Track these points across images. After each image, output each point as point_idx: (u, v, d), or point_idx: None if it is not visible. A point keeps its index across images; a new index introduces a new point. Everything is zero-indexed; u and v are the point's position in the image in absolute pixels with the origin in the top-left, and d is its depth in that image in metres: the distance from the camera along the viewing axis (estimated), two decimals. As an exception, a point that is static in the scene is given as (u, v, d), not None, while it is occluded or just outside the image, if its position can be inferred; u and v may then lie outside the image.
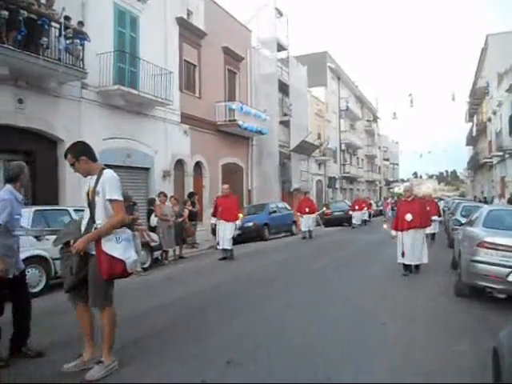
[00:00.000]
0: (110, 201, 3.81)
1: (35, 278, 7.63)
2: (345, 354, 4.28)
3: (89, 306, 3.93)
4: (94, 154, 4.11)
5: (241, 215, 12.05)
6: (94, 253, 3.79)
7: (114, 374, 3.82)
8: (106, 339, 3.86)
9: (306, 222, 17.44)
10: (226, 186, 12.12)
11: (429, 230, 9.07)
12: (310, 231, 17.41)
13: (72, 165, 3.96)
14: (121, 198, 3.89)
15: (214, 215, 11.77)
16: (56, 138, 11.81)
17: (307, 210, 17.54)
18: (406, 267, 8.59)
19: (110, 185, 3.82)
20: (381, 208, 34.00)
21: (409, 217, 8.48)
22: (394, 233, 8.88)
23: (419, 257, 8.60)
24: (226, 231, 11.27)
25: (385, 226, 9.81)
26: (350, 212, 23.70)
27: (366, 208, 24.98)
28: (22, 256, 7.23)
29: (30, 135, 11.09)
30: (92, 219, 3.85)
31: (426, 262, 8.65)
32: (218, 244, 11.63)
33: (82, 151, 3.99)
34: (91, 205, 3.86)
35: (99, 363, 3.80)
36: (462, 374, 3.85)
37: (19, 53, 9.78)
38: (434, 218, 12.86)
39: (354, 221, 23.15)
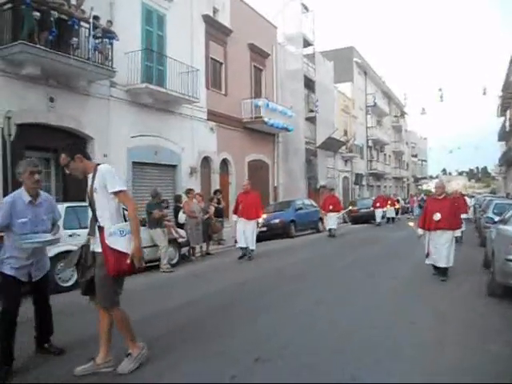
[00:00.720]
0: (115, 193, 3.69)
1: (67, 273, 7.81)
2: (373, 354, 4.21)
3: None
4: (88, 153, 4.05)
5: (264, 215, 11.52)
6: (99, 250, 3.70)
7: (144, 366, 3.86)
8: (125, 336, 3.88)
9: (330, 220, 17.11)
10: (246, 181, 11.81)
11: (459, 232, 8.19)
12: (332, 230, 16.91)
13: (66, 165, 3.88)
14: (124, 188, 3.80)
15: (234, 213, 11.36)
16: (85, 136, 12.06)
17: (331, 207, 17.10)
18: (436, 267, 8.09)
19: (108, 178, 3.70)
20: (408, 205, 33.47)
21: (437, 216, 7.81)
22: (420, 231, 8.27)
23: (445, 260, 7.86)
24: (247, 230, 10.91)
25: (411, 223, 8.95)
26: (372, 209, 23.26)
27: (389, 205, 24.35)
28: (55, 251, 7.53)
29: (60, 133, 11.33)
30: (94, 218, 3.76)
31: (452, 265, 7.91)
32: (235, 242, 11.47)
33: (76, 149, 3.95)
34: (91, 204, 3.77)
35: (128, 356, 3.83)
36: (493, 376, 3.73)
37: (50, 53, 10.02)
38: (463, 215, 12.35)
39: (377, 219, 22.76)
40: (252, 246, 10.99)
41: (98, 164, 3.89)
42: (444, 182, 9.15)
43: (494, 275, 6.53)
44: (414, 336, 4.75)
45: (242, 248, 11.07)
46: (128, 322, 3.91)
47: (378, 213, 22.83)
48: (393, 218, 25.10)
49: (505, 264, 6.02)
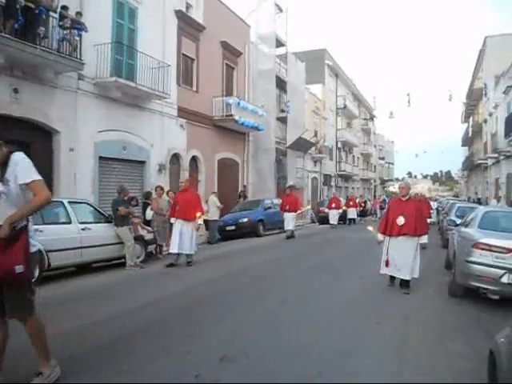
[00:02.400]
0: (27, 185, 3.23)
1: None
2: (337, 353, 4.27)
3: (5, 320, 3.33)
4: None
5: (199, 214, 9.96)
6: None
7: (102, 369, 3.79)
8: (39, 350, 3.41)
9: (287, 220, 16.12)
10: (183, 179, 10.75)
11: (425, 239, 7.15)
12: (289, 231, 15.96)
13: None
14: (39, 177, 3.32)
15: (172, 215, 9.97)
16: (51, 129, 11.72)
17: (287, 207, 16.06)
18: (393, 278, 7.31)
19: (21, 168, 3.27)
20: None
21: (401, 220, 6.95)
22: (380, 237, 7.33)
23: (408, 270, 6.95)
24: (185, 233, 9.64)
25: (370, 228, 8.21)
26: (326, 210, 22.28)
27: (348, 207, 23.55)
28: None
29: (25, 125, 10.98)
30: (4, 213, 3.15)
31: (417, 277, 7.13)
32: (166, 246, 10.26)
33: None
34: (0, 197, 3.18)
35: (39, 375, 3.39)
36: (456, 373, 3.85)
37: (16, 42, 9.66)
38: (428, 220, 11.93)
39: (330, 220, 21.58)
40: (190, 250, 9.75)
41: (12, 151, 3.39)
42: (409, 183, 8.31)
43: (455, 276, 6.75)
44: (378, 336, 4.84)
45: (173, 254, 9.70)
46: (44, 335, 3.46)
47: (333, 214, 21.63)
48: (354, 220, 24.20)
49: (465, 265, 6.22)
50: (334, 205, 21.60)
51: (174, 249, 9.63)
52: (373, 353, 4.28)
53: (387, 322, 5.32)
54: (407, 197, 7.30)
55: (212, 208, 14.73)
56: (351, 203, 23.98)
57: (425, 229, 7.11)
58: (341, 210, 22.26)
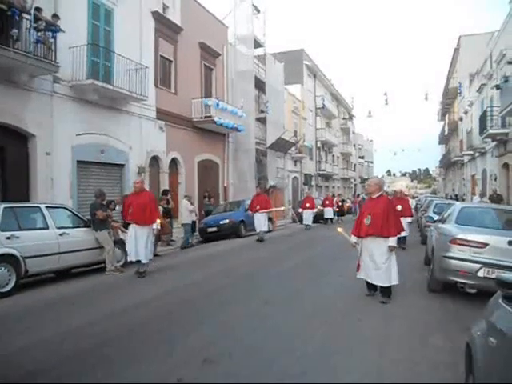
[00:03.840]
0: None
1: (4, 277, 7.40)
2: (322, 351, 4.30)
3: None
4: None
5: (158, 220, 9.20)
6: None
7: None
8: None
9: (257, 221, 15.11)
10: (138, 179, 9.82)
11: (392, 242, 6.22)
12: (261, 232, 14.99)
13: None
14: None
15: (124, 217, 9.33)
16: (27, 133, 11.49)
17: (258, 207, 15.13)
18: (370, 285, 6.55)
19: None
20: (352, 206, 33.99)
21: (368, 220, 6.34)
22: (353, 239, 6.63)
23: (382, 276, 6.25)
24: (140, 238, 8.77)
25: (339, 229, 7.31)
26: (300, 210, 21.14)
27: (318, 206, 22.37)
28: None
29: (0, 130, 10.75)
30: None
31: (396, 283, 6.36)
32: (127, 255, 9.35)
33: None
34: None
35: None
36: (436, 368, 3.92)
37: (-12, 44, 9.46)
38: (407, 219, 11.98)
39: (304, 221, 20.42)
40: (145, 258, 8.83)
41: None
42: (380, 179, 7.45)
43: (433, 272, 6.86)
44: (360, 332, 4.89)
45: (132, 262, 9.04)
46: None
47: (307, 214, 20.42)
48: (331, 219, 23.35)
49: (443, 261, 6.34)
50: (308, 204, 20.49)
51: (131, 257, 8.86)
52: (355, 350, 4.33)
53: (368, 319, 5.38)
54: (378, 194, 6.53)
55: (184, 212, 14.61)
56: (327, 202, 23.41)
57: (393, 229, 6.24)
58: (315, 210, 21.30)
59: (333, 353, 4.23)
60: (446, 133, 43.67)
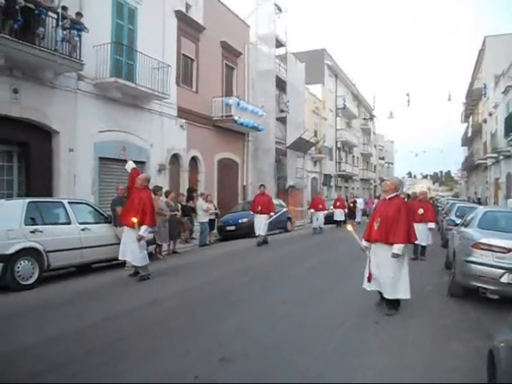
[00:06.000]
0: None
1: (28, 270, 7.56)
2: (339, 352, 4.27)
3: None
4: None
5: (144, 226, 7.98)
6: None
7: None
8: None
9: (258, 223, 13.79)
10: (142, 175, 8.72)
11: (396, 250, 5.48)
12: (260, 236, 13.77)
13: None
14: None
15: (120, 219, 8.51)
16: (51, 130, 11.72)
17: (259, 208, 13.72)
18: (383, 296, 5.87)
19: None
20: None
21: (377, 223, 5.75)
22: (364, 243, 5.96)
23: (388, 287, 5.64)
24: (128, 240, 8.05)
25: (349, 227, 6.37)
26: (312, 211, 18.72)
27: (336, 207, 21.08)
28: (15, 248, 7.29)
29: (25, 126, 10.99)
30: None
31: (406, 298, 5.73)
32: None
33: None
34: None
35: None
36: (455, 374, 3.85)
37: (15, 42, 9.68)
38: (429, 225, 10.55)
39: (313, 223, 18.74)
40: (137, 262, 8.07)
41: None
42: (398, 179, 6.99)
43: (454, 276, 6.74)
44: (377, 335, 4.85)
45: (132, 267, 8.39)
46: None
47: (319, 216, 18.36)
48: (341, 222, 21.08)
49: (465, 265, 6.22)
50: (320, 206, 18.37)
51: (120, 256, 8.24)
52: (373, 353, 4.29)
53: (386, 323, 5.32)
54: (392, 195, 5.90)
55: (200, 210, 14.63)
56: (338, 204, 21.44)
57: (401, 236, 5.50)
58: (326, 212, 19.54)
59: (349, 355, 4.20)
60: (469, 135, 42.86)
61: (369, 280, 5.84)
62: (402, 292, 5.64)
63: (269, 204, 13.94)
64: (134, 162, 14.54)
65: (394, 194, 5.92)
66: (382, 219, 5.67)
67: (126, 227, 8.12)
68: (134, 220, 7.73)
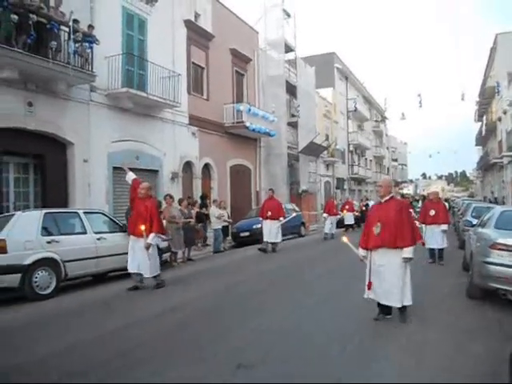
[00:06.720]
0: None
1: (45, 280, 7.66)
2: (356, 358, 4.23)
3: None
4: None
5: (152, 234, 7.79)
6: None
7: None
8: None
9: (268, 228, 13.10)
10: (143, 184, 8.20)
11: (407, 254, 5.22)
12: (272, 243, 13.19)
13: None
14: None
15: (130, 230, 8.17)
16: (65, 141, 11.89)
17: (269, 213, 13.07)
18: (383, 307, 5.47)
19: None
20: None
21: (377, 228, 5.37)
22: (361, 252, 5.63)
23: (396, 296, 5.27)
24: (136, 252, 7.85)
25: (344, 239, 5.86)
26: (325, 215, 17.90)
27: (346, 211, 20.23)
28: (33, 258, 7.40)
29: (40, 138, 11.17)
30: None
31: (410, 304, 5.39)
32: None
33: None
34: None
35: None
36: (476, 377, 3.79)
37: (29, 56, 9.87)
38: (442, 227, 10.06)
39: (325, 228, 17.77)
40: (148, 272, 7.88)
41: None
42: (387, 179, 6.57)
43: (472, 278, 6.64)
44: (397, 339, 4.79)
45: (133, 274, 8.04)
46: None
47: (332, 221, 17.75)
48: (351, 226, 20.50)
49: (483, 266, 6.13)
50: (335, 210, 17.98)
51: (130, 268, 7.98)
52: (392, 357, 4.24)
53: (405, 325, 5.25)
54: (387, 197, 5.56)
55: (212, 218, 14.65)
56: (347, 207, 20.65)
57: (409, 238, 5.25)
58: (339, 216, 19.12)
59: (368, 360, 4.16)
60: (483, 134, 42.33)
61: (369, 288, 5.52)
62: (407, 298, 5.35)
63: (279, 208, 13.44)
64: (148, 170, 14.86)
65: (389, 195, 5.60)
66: (384, 223, 5.31)
67: (132, 237, 7.92)
68: (143, 228, 7.61)
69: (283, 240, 17.21)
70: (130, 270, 7.96)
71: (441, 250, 10.13)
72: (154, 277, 8.03)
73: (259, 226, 16.33)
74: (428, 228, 10.10)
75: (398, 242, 5.22)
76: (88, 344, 4.84)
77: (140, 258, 7.79)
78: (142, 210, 7.79)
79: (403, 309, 5.36)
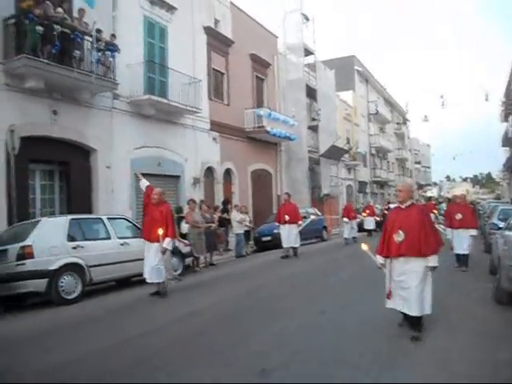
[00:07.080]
0: None
1: (71, 285, 7.81)
2: (380, 364, 4.17)
3: None
4: None
5: (168, 239, 7.71)
6: None
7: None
8: None
9: (287, 233, 12.82)
10: (156, 190, 8.12)
11: (433, 262, 4.97)
12: (286, 249, 12.92)
13: None
14: None
15: (145, 236, 8.06)
16: (89, 148, 12.12)
17: (287, 218, 12.77)
18: (406, 315, 5.17)
19: None
20: None
21: (399, 236, 5.06)
22: (380, 260, 5.33)
23: (415, 304, 4.95)
24: (151, 256, 7.72)
25: (364, 246, 5.48)
26: (346, 220, 17.24)
27: (366, 214, 19.89)
28: (59, 264, 7.55)
29: (65, 145, 11.42)
30: None
31: (429, 313, 5.08)
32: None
33: None
34: None
35: None
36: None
37: (54, 66, 10.12)
38: (470, 232, 9.49)
39: (344, 233, 17.34)
40: (157, 278, 7.74)
41: None
42: (408, 182, 5.87)
43: (500, 282, 6.48)
44: (422, 345, 4.70)
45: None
46: None
47: (353, 225, 17.43)
48: (372, 231, 19.83)
49: (511, 270, 5.97)
50: (352, 214, 17.55)
51: (146, 277, 7.89)
52: (419, 364, 4.16)
53: (430, 332, 5.15)
54: (408, 203, 5.28)
55: (233, 222, 14.68)
56: (368, 212, 20.21)
57: (433, 247, 4.99)
58: (358, 220, 18.76)
59: (392, 366, 4.09)
60: (509, 135, 41.35)
61: (388, 297, 5.27)
62: (427, 307, 5.05)
63: (296, 212, 13.14)
64: (169, 176, 15.01)
65: (410, 201, 5.30)
66: (406, 232, 5.02)
67: (147, 243, 7.81)
68: (160, 232, 7.51)
69: (305, 244, 17.20)
70: (147, 280, 7.84)
71: (465, 256, 9.64)
72: (158, 283, 7.81)
73: (280, 230, 16.34)
74: (455, 232, 9.60)
75: (423, 251, 4.96)
76: (106, 350, 4.87)
77: (149, 263, 7.70)
78: (157, 216, 7.70)
79: (418, 319, 5.05)
